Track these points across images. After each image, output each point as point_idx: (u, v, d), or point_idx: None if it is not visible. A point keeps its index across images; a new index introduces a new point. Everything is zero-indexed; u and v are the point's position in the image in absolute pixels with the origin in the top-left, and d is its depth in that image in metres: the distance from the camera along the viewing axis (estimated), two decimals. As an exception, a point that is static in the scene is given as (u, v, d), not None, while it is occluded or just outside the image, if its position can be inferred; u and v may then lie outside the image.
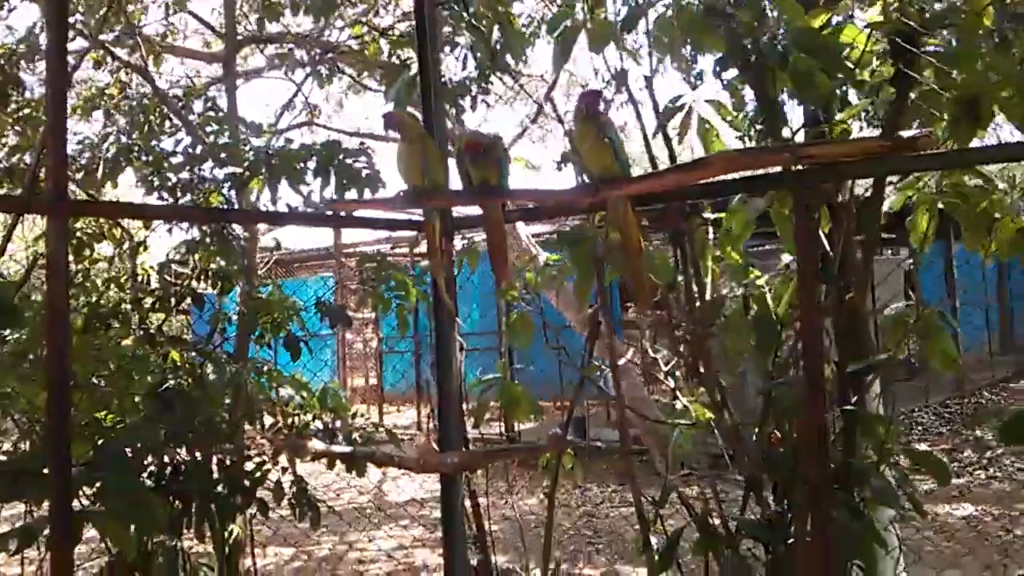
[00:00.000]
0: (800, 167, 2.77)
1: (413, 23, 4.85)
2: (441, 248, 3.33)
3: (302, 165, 3.90)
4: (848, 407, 3.11)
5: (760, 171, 2.89)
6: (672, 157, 3.72)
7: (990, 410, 15.31)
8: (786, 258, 4.11)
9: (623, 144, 2.90)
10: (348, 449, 3.67)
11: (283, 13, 6.80)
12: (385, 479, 11.77)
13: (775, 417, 3.06)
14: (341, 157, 3.90)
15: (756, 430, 3.24)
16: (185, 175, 4.66)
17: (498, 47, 5.04)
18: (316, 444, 3.30)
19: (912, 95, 3.16)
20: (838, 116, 3.23)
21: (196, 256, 4.77)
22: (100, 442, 3.84)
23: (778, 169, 2.90)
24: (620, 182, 2.84)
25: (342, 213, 3.43)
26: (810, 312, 3.00)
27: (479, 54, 4.75)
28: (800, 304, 3.04)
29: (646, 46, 4.64)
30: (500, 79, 5.31)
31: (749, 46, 3.24)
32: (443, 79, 4.80)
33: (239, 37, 7.47)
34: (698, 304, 3.51)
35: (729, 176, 3.04)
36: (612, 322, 4.50)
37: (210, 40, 8.77)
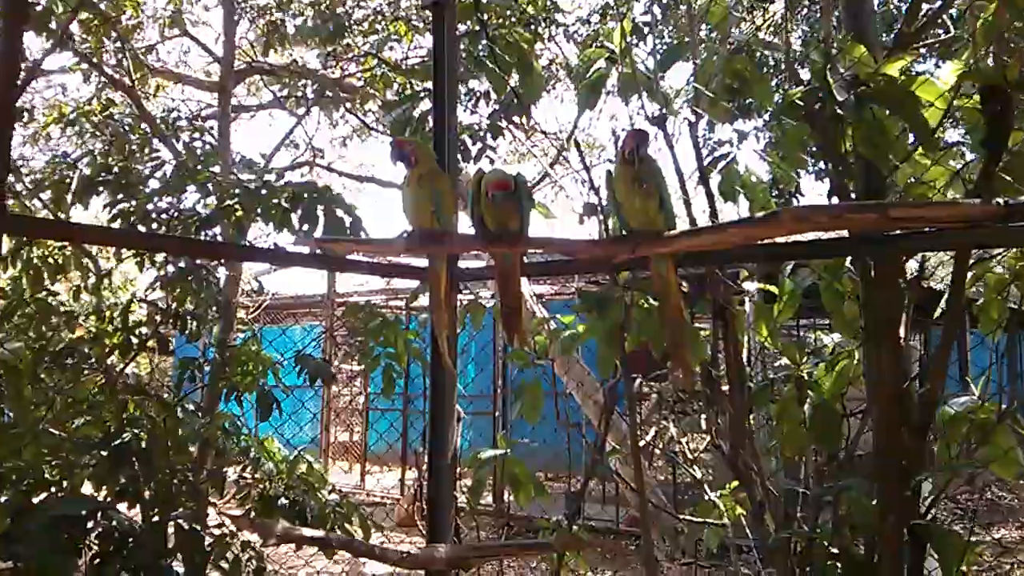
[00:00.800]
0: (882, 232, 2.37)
1: (426, 58, 4.46)
2: (446, 302, 2.88)
3: (281, 203, 3.48)
4: (919, 521, 2.63)
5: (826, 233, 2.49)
6: (714, 212, 3.32)
7: (1003, 507, 14.70)
8: (828, 339, 3.68)
9: (669, 194, 2.48)
10: (322, 534, 3.17)
11: (288, 41, 6.46)
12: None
13: (840, 525, 2.57)
14: (315, 196, 3.49)
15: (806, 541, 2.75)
16: (163, 204, 4.23)
17: (515, 95, 4.66)
18: (285, 526, 2.80)
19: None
20: (920, 177, 2.83)
21: (168, 294, 4.31)
22: (35, 502, 3.37)
23: (840, 233, 2.51)
24: (664, 237, 2.41)
25: (332, 255, 2.98)
26: (888, 404, 2.56)
27: (494, 98, 4.37)
28: (875, 395, 2.60)
29: (682, 91, 4.30)
30: (511, 130, 4.92)
31: (819, 94, 2.85)
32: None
33: (240, 66, 7.13)
34: (739, 388, 3.05)
35: (792, 237, 2.63)
36: (616, 395, 4.03)
37: (212, 71, 8.43)
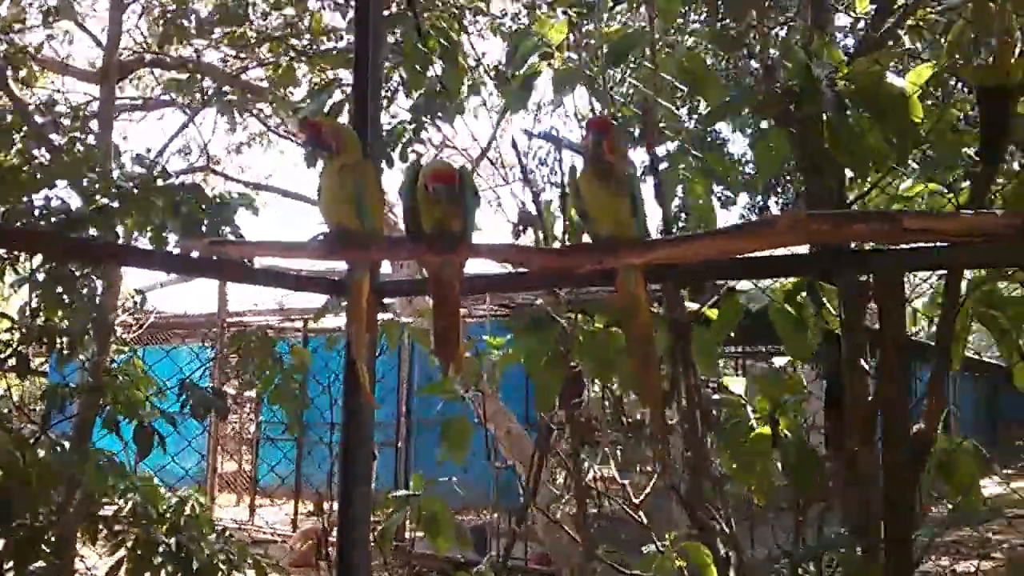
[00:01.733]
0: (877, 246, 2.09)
1: (339, 44, 4.04)
2: (368, 319, 2.45)
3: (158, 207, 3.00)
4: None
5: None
6: (666, 221, 3.01)
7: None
8: (778, 361, 3.42)
9: (643, 196, 2.13)
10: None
11: (186, 33, 5.87)
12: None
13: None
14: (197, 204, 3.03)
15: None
16: (37, 199, 3.66)
17: (438, 85, 4.26)
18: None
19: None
20: (904, 185, 2.58)
21: (31, 305, 3.74)
22: None
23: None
24: (637, 247, 2.06)
25: (226, 260, 2.50)
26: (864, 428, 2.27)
27: (418, 90, 3.97)
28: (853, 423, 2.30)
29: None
30: (436, 127, 4.51)
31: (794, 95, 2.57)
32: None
33: (130, 57, 6.49)
34: (696, 421, 2.72)
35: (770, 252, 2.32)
36: (551, 429, 3.67)
37: (99, 62, 7.65)
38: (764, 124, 2.73)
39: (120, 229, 3.40)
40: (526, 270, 2.31)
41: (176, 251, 2.88)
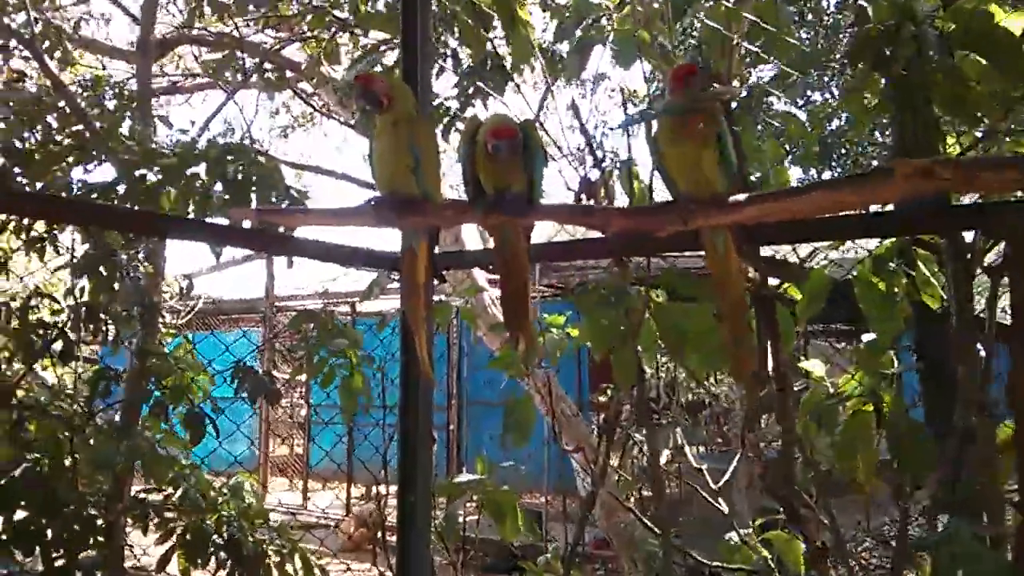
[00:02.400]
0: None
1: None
2: (425, 290, 2.26)
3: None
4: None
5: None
6: (744, 179, 2.77)
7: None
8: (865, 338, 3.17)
9: (732, 148, 1.90)
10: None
11: (227, 8, 5.72)
12: None
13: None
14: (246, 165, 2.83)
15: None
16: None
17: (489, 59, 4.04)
18: None
19: None
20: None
21: (76, 290, 3.62)
22: None
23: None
24: (726, 204, 1.83)
25: (273, 231, 2.32)
26: None
27: (475, 56, 3.74)
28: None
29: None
30: (484, 101, 4.27)
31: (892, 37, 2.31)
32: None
33: (170, 33, 6.37)
34: (788, 399, 2.48)
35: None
36: (619, 409, 3.45)
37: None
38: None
39: (166, 205, 3.24)
40: (601, 235, 2.09)
41: (221, 222, 2.70)
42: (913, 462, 2.16)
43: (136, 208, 2.79)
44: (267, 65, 6.29)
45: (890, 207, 2.20)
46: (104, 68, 6.66)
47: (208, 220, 2.76)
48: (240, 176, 2.78)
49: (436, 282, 2.54)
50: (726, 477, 2.93)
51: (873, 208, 2.11)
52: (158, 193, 2.84)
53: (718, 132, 1.86)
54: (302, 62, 6.73)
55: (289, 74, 6.64)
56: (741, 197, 1.86)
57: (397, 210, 2.07)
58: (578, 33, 3.67)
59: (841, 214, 2.06)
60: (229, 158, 2.83)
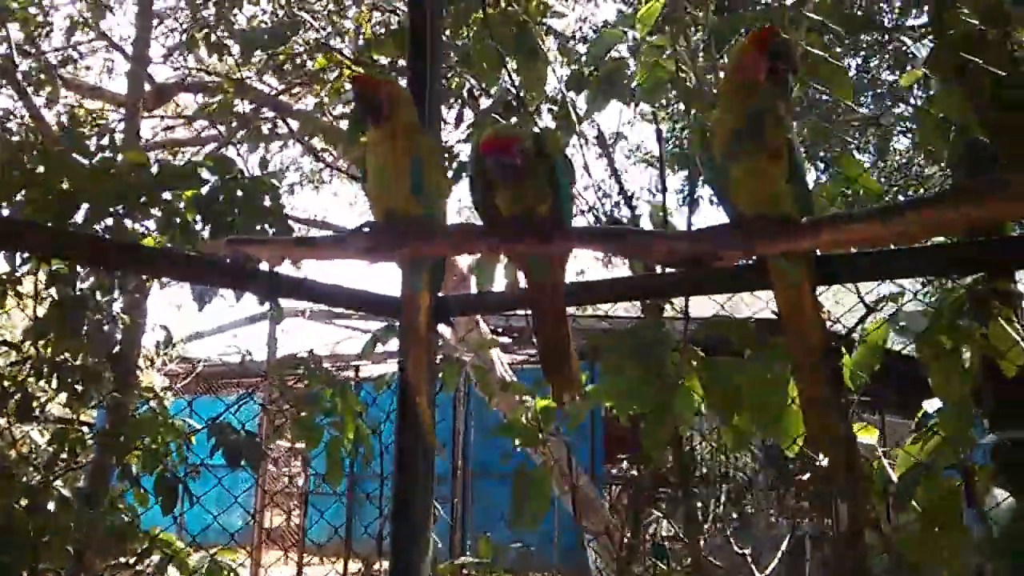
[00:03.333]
0: None
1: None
2: (427, 335, 1.89)
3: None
4: None
5: None
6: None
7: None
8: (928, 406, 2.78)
9: (803, 158, 1.56)
10: None
11: (225, 49, 5.44)
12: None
13: None
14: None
15: None
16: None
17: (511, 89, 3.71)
18: None
19: None
20: None
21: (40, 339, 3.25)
22: None
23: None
24: (802, 226, 1.48)
25: (248, 264, 1.96)
26: None
27: (491, 90, 3.42)
28: None
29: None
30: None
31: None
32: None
33: (170, 79, 6.11)
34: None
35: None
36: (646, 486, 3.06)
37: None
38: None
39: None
40: (642, 272, 1.73)
41: (190, 252, 2.32)
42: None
43: (103, 236, 2.42)
44: (268, 113, 6.01)
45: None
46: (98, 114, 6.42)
47: (176, 250, 2.39)
48: (220, 197, 2.40)
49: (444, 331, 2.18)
50: (771, 567, 2.50)
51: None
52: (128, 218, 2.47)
53: (788, 139, 1.52)
54: (308, 108, 6.45)
55: (294, 125, 6.38)
56: (817, 219, 1.50)
57: (397, 237, 1.72)
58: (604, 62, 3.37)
59: (930, 244, 1.71)
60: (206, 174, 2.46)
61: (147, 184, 2.40)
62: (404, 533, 2.31)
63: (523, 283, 1.80)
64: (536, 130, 1.69)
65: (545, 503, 2.45)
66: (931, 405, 2.85)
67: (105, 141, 3.07)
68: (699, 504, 6.53)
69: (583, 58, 3.47)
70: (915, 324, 2.44)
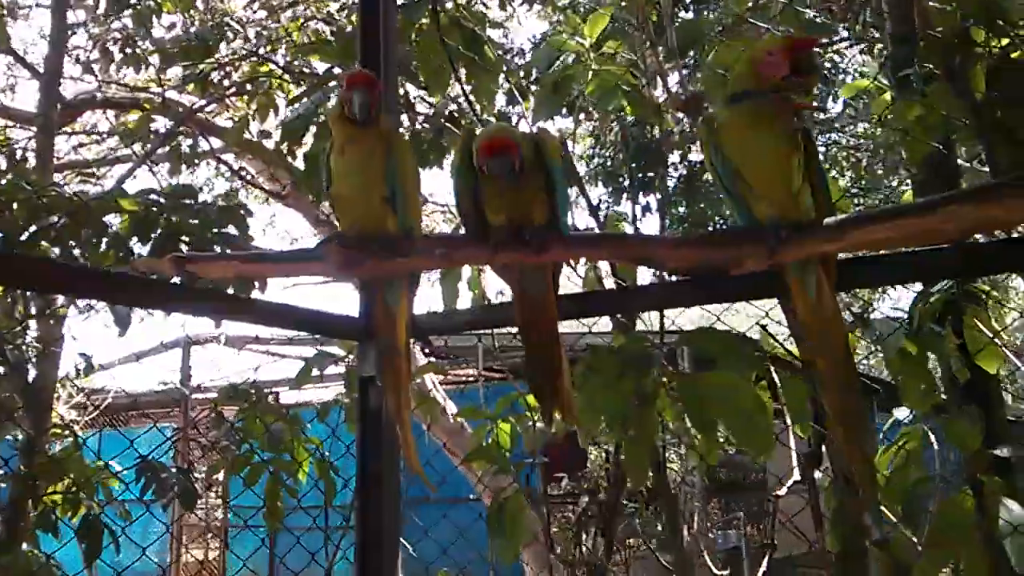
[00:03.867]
0: None
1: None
2: (406, 359, 1.71)
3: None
4: None
5: None
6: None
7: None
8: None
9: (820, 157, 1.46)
10: None
11: (144, 60, 5.08)
12: None
13: None
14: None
15: None
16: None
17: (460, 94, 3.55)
18: None
19: None
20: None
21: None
22: None
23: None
24: (825, 227, 1.38)
25: (195, 282, 1.75)
26: None
27: (439, 94, 3.25)
28: None
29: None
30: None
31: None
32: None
33: (83, 95, 5.69)
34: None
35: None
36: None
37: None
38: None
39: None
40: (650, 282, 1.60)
41: (123, 272, 2.08)
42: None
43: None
44: (185, 130, 5.66)
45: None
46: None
47: (118, 271, 2.14)
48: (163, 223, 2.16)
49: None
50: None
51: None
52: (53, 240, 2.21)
53: (807, 133, 1.41)
54: (226, 127, 6.11)
55: (216, 143, 6.04)
56: (842, 219, 1.40)
57: (371, 252, 1.55)
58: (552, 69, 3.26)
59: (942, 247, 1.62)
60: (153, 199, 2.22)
61: (83, 209, 2.15)
62: (371, 570, 2.12)
63: (510, 296, 1.65)
64: (532, 131, 1.53)
65: (523, 532, 2.29)
66: (901, 413, 2.82)
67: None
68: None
69: (526, 67, 3.36)
70: (887, 332, 2.39)
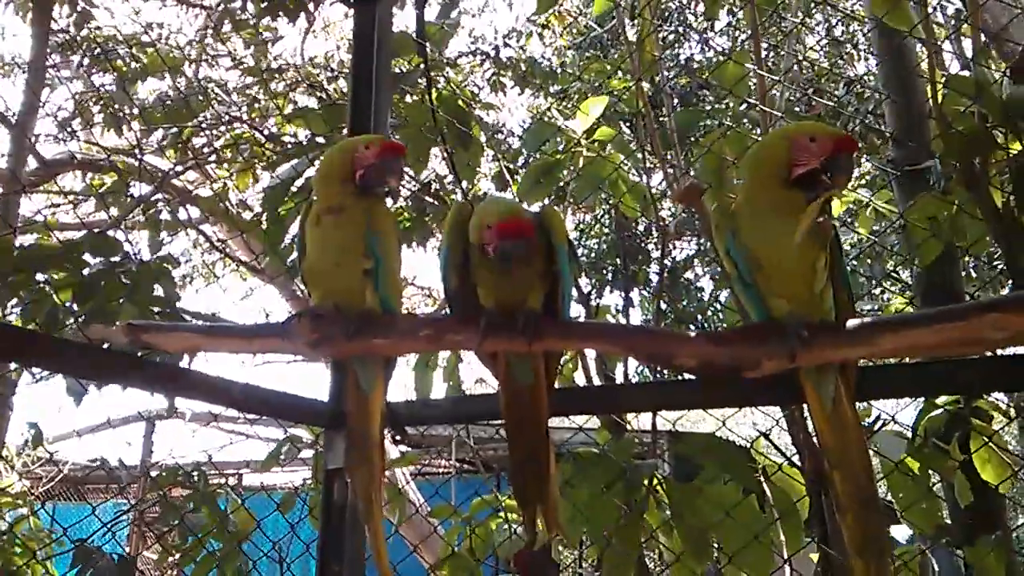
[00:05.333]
0: None
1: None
2: (379, 452, 1.54)
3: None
4: None
5: None
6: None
7: None
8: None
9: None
10: None
11: (124, 123, 4.97)
12: None
13: None
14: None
15: None
16: None
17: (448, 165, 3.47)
18: None
19: None
20: None
21: None
22: None
23: None
24: (853, 331, 1.25)
25: (147, 353, 1.59)
26: None
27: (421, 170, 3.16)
28: None
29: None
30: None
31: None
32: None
33: (59, 155, 5.55)
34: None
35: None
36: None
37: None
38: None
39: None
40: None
41: (69, 342, 1.90)
42: None
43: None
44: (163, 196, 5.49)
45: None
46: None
47: (58, 339, 1.96)
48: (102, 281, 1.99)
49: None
50: None
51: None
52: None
53: (833, 227, 1.30)
54: (203, 195, 5.97)
55: (193, 212, 5.89)
56: (870, 321, 1.27)
57: (348, 331, 1.40)
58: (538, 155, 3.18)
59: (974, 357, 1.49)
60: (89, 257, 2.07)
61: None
62: None
63: (496, 387, 1.50)
64: (535, 210, 1.40)
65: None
66: (899, 532, 2.66)
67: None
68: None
69: (514, 153, 3.28)
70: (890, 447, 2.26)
